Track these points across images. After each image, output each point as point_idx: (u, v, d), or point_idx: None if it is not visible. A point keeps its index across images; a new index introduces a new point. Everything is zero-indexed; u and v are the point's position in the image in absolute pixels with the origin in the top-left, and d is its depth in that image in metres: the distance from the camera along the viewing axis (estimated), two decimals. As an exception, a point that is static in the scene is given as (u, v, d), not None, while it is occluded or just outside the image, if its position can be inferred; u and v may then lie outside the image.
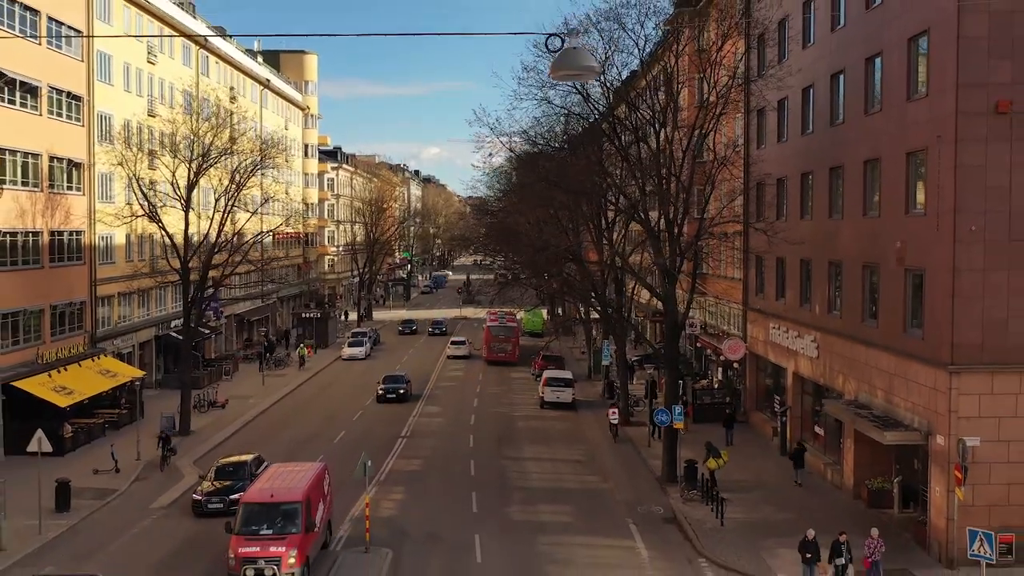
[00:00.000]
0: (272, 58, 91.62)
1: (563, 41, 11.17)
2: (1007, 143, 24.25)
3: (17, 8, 39.29)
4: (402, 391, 52.07)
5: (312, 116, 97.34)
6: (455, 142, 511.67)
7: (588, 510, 31.39)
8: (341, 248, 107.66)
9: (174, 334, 55.86)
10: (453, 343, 73.04)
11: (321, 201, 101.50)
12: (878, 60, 29.45)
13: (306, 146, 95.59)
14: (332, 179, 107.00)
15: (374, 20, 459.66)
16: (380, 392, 52.20)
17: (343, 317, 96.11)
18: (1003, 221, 24.38)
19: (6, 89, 38.61)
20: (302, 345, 67.61)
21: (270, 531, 24.48)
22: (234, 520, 25.00)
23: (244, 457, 33.28)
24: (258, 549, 23.94)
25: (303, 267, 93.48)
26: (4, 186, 38.21)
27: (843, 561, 23.73)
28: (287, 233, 79.73)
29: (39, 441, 29.08)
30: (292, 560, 23.70)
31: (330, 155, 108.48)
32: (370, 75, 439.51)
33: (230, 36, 72.12)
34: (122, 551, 27.32)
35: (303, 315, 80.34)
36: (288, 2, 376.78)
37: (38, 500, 28.91)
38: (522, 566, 26.04)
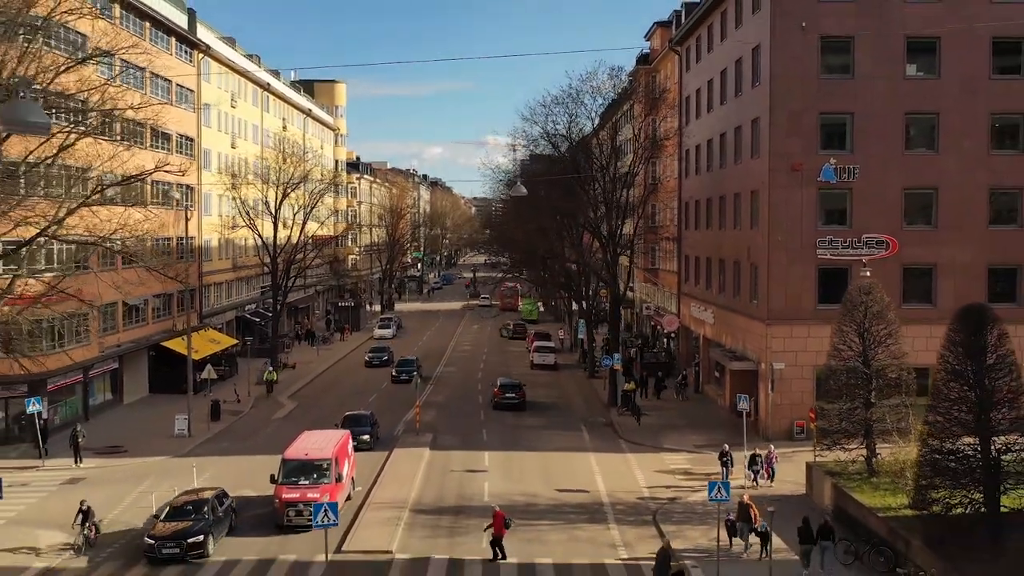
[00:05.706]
0: (307, 86, 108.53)
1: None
2: (799, 189, 40.78)
3: (159, 80, 56.10)
4: (365, 436, 40.68)
5: (342, 136, 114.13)
6: (457, 143, 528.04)
7: (556, 421, 48.15)
8: (362, 248, 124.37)
9: (248, 315, 72.82)
10: (482, 297, 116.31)
11: (347, 208, 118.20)
12: (740, 129, 46.06)
13: (336, 162, 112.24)
14: (355, 188, 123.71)
15: (380, 23, 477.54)
16: None
17: (378, 307, 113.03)
18: (797, 236, 40.90)
19: (152, 137, 55.33)
20: (270, 369, 59.18)
21: (307, 481, 29.79)
22: (278, 473, 30.51)
23: (205, 493, 29.32)
24: (298, 495, 29.12)
25: (333, 265, 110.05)
26: (151, 207, 54.91)
27: (758, 468, 35.35)
28: (324, 236, 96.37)
29: (209, 370, 46.01)
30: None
31: (353, 166, 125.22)
32: (370, 74, 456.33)
33: (283, 77, 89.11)
34: (262, 439, 43.79)
35: (339, 304, 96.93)
36: (298, 10, 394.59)
37: (207, 413, 45.92)
38: (512, 441, 42.89)
